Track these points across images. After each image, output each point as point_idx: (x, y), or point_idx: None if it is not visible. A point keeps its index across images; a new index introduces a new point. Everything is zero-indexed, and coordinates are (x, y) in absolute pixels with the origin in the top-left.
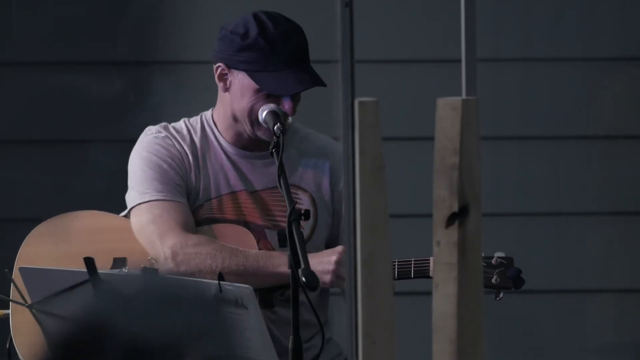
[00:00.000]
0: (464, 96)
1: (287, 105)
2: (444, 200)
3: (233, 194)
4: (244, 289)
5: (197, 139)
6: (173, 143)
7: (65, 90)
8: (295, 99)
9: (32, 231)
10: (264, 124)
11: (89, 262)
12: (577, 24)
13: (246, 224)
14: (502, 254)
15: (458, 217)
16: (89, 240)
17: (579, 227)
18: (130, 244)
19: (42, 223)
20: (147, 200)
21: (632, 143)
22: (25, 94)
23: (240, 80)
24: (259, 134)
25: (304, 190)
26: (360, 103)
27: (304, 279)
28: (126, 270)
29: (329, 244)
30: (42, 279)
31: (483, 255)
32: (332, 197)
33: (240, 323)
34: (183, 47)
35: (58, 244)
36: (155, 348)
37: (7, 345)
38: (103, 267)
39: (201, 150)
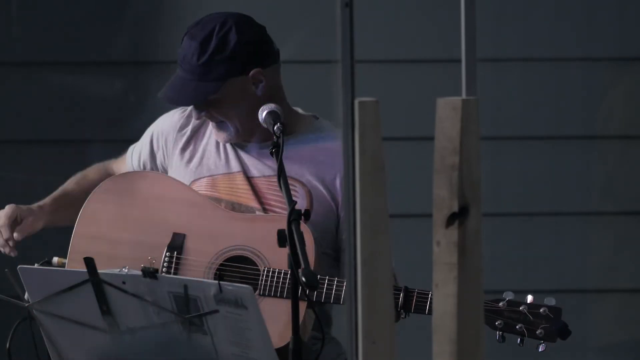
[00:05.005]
0: (464, 96)
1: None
2: (444, 200)
3: (229, 175)
4: (244, 289)
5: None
6: (174, 115)
7: (65, 90)
8: (198, 107)
9: (100, 185)
10: (263, 124)
11: (89, 262)
12: (577, 24)
13: (238, 205)
14: (552, 301)
15: (458, 217)
16: (152, 207)
17: (579, 227)
18: (192, 220)
19: (111, 178)
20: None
21: (632, 143)
22: (25, 94)
23: None
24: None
25: (302, 184)
26: (360, 103)
27: (304, 279)
28: (126, 270)
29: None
30: (42, 279)
31: (532, 302)
32: (337, 206)
33: (240, 323)
34: None
35: (122, 206)
36: None
37: (7, 345)
38: (160, 239)
39: (204, 128)
